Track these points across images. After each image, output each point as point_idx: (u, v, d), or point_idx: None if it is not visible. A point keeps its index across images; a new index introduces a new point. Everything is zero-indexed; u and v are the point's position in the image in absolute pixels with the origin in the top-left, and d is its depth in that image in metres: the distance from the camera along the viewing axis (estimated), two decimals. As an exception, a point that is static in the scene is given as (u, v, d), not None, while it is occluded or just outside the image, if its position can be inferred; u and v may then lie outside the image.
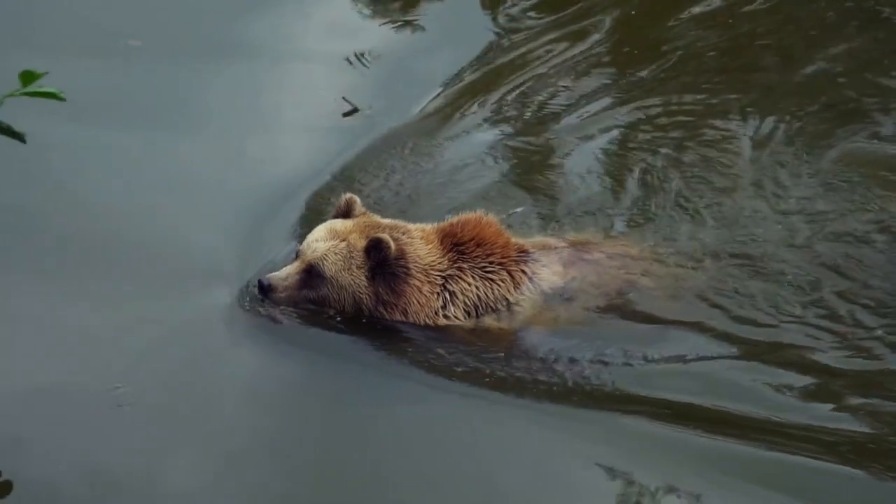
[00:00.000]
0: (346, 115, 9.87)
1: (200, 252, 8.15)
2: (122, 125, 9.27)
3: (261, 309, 7.64)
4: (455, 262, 7.72)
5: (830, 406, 7.13)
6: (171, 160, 9.12)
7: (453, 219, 7.87)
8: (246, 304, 7.73)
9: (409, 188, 9.00)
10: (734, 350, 7.53)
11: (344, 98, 9.96)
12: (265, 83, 10.14)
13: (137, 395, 7.06)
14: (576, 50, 10.79)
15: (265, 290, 7.54)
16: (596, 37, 10.93)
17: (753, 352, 7.52)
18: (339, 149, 9.33)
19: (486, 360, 7.47)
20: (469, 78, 10.46)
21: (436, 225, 7.86)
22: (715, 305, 7.83)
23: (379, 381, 7.41)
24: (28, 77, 5.61)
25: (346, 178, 9.03)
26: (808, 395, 7.22)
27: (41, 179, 8.69)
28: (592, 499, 6.70)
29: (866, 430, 6.95)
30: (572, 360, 7.44)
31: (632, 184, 9.00)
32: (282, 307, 7.63)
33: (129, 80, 9.87)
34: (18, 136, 5.70)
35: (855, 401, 7.16)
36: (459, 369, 7.39)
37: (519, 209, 8.68)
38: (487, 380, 7.32)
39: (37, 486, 6.47)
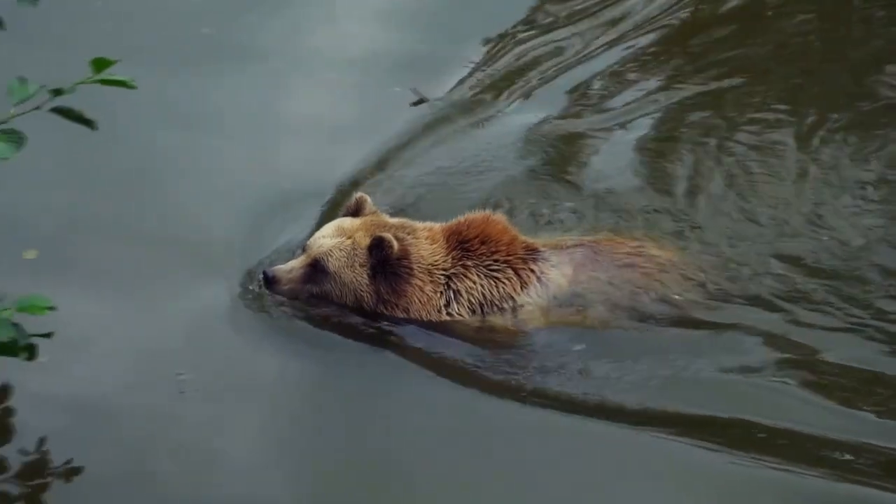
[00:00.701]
0: (414, 104, 9.87)
1: (222, 245, 8.25)
2: (141, 125, 9.34)
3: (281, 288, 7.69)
4: (459, 260, 7.70)
5: (873, 414, 6.95)
6: (198, 159, 9.18)
7: (461, 217, 7.84)
8: (248, 296, 7.85)
9: (441, 180, 8.97)
10: (769, 359, 7.33)
11: (412, 89, 9.96)
12: (287, 85, 10.10)
13: (198, 383, 7.24)
14: (618, 32, 10.68)
15: (269, 281, 7.64)
16: (638, 20, 10.81)
17: (790, 361, 7.33)
18: (363, 144, 9.33)
19: (499, 360, 7.44)
20: (494, 70, 10.34)
21: (443, 224, 7.84)
22: (754, 311, 7.62)
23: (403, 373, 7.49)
24: (100, 64, 5.68)
25: (374, 171, 9.06)
26: (853, 403, 7.04)
27: (72, 179, 8.83)
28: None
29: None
30: (585, 366, 7.36)
31: (672, 181, 8.81)
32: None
33: (149, 79, 9.89)
34: (89, 123, 5.79)
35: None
36: (472, 367, 7.41)
37: (569, 204, 8.59)
38: (498, 378, 7.31)
39: (114, 470, 6.66)
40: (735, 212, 8.46)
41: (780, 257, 7.99)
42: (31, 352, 5.89)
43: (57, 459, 6.56)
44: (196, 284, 7.91)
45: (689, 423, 6.94)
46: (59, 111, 5.72)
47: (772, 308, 7.65)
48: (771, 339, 7.45)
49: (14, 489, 6.43)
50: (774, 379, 7.19)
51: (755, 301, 7.70)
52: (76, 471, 6.52)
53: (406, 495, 6.65)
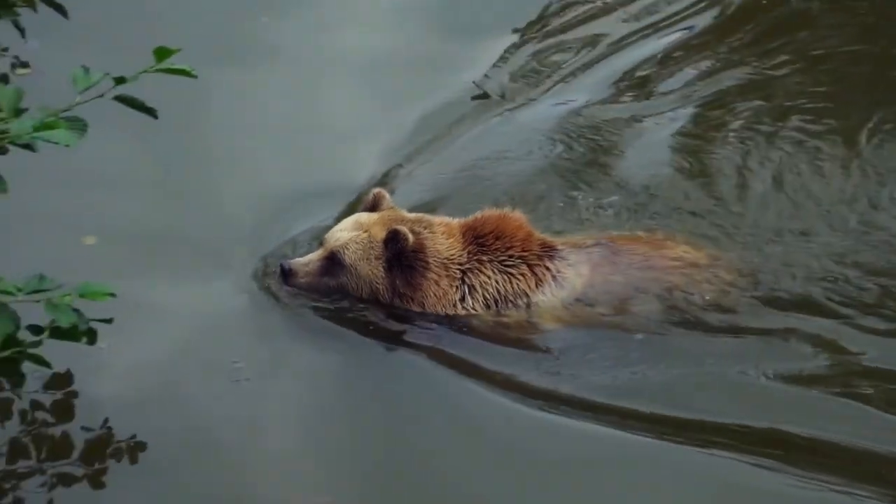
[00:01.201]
0: (474, 98, 9.89)
1: (258, 239, 8.32)
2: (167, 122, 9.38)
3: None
4: (475, 255, 7.70)
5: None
6: (230, 156, 9.24)
7: (478, 213, 7.84)
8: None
9: (476, 171, 8.98)
10: (804, 365, 7.14)
11: (474, 83, 9.97)
12: (312, 84, 10.09)
13: (250, 371, 7.35)
14: (663, 16, 10.63)
15: (286, 274, 7.70)
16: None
17: (830, 367, 7.14)
18: (394, 138, 9.37)
19: (519, 358, 7.44)
20: (533, 59, 10.31)
21: (460, 219, 7.85)
22: (789, 315, 7.46)
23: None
24: (162, 53, 5.75)
25: (407, 164, 9.09)
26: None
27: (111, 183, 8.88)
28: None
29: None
30: (604, 369, 7.30)
31: (715, 174, 8.69)
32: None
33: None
34: (151, 112, 5.85)
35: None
36: (489, 366, 7.42)
37: (613, 198, 8.53)
38: (517, 377, 7.30)
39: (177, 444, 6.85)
40: (779, 208, 8.34)
41: (826, 256, 7.85)
42: (91, 337, 5.96)
43: (119, 437, 6.70)
44: (228, 278, 8.01)
45: (717, 431, 6.83)
46: (122, 99, 5.78)
47: (812, 311, 7.51)
48: (812, 343, 7.30)
49: (77, 469, 6.56)
50: (813, 387, 7.03)
51: (791, 304, 7.56)
52: (140, 447, 6.66)
53: (413, 492, 6.68)
